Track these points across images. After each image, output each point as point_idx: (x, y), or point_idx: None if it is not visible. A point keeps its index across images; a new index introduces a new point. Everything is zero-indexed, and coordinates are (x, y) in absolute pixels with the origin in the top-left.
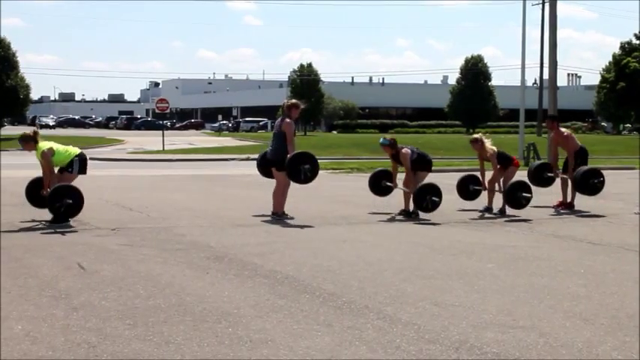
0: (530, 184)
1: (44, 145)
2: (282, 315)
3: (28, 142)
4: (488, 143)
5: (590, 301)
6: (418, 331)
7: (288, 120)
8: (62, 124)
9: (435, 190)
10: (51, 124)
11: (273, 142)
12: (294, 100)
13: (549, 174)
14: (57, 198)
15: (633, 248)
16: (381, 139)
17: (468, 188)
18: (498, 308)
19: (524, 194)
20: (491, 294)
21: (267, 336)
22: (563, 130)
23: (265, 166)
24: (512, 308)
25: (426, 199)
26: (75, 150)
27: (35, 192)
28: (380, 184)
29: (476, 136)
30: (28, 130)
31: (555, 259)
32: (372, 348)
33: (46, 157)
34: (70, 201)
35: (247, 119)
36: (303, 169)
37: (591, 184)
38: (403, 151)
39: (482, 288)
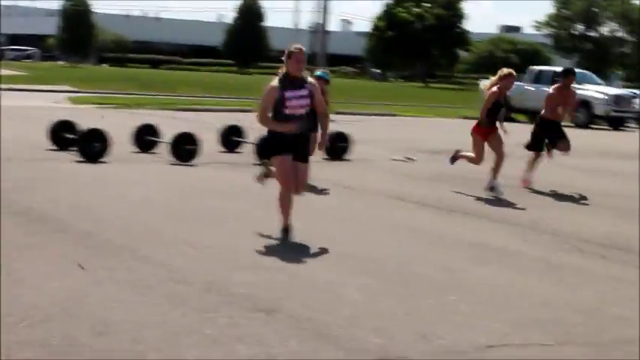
0: None
1: None
2: (33, 254)
3: None
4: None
5: (341, 245)
6: (170, 271)
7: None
8: None
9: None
10: None
11: None
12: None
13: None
14: None
15: (384, 193)
16: (320, 72)
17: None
18: (250, 249)
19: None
20: (245, 235)
21: (18, 276)
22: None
23: None
24: (265, 249)
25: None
26: None
27: None
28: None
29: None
30: None
31: (314, 205)
32: (122, 288)
33: None
34: None
35: (12, 47)
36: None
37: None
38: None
39: (237, 229)
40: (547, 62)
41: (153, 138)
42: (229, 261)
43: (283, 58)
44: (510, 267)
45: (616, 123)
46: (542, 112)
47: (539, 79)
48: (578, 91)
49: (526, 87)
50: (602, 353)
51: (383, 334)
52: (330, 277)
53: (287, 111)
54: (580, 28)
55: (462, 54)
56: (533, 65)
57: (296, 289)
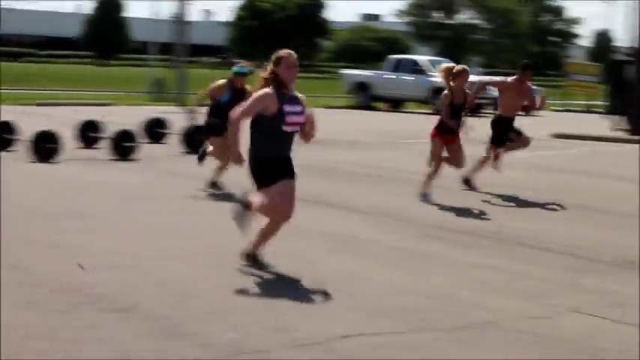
0: None
1: None
2: None
3: None
4: None
5: (197, 239)
6: (26, 274)
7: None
8: None
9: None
10: None
11: None
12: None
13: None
14: None
15: (242, 186)
16: (238, 67)
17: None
18: (109, 249)
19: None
20: (102, 234)
21: None
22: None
23: None
24: (120, 248)
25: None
26: None
27: None
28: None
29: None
30: None
31: (167, 201)
32: None
33: None
34: None
35: None
36: None
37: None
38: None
39: (95, 228)
40: (406, 50)
41: (10, 136)
42: (85, 261)
43: (267, 67)
44: (367, 256)
45: (473, 109)
46: (498, 110)
47: (397, 67)
48: (434, 79)
49: (385, 76)
50: (454, 338)
51: (238, 329)
52: (185, 273)
53: (286, 128)
54: (439, 16)
55: (325, 43)
56: (392, 54)
57: (151, 287)
